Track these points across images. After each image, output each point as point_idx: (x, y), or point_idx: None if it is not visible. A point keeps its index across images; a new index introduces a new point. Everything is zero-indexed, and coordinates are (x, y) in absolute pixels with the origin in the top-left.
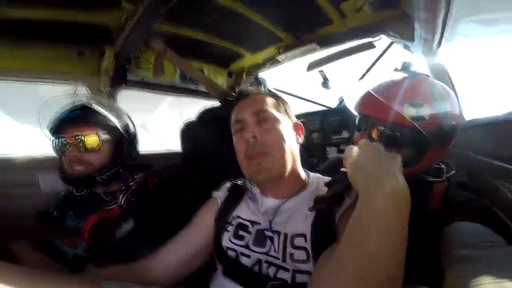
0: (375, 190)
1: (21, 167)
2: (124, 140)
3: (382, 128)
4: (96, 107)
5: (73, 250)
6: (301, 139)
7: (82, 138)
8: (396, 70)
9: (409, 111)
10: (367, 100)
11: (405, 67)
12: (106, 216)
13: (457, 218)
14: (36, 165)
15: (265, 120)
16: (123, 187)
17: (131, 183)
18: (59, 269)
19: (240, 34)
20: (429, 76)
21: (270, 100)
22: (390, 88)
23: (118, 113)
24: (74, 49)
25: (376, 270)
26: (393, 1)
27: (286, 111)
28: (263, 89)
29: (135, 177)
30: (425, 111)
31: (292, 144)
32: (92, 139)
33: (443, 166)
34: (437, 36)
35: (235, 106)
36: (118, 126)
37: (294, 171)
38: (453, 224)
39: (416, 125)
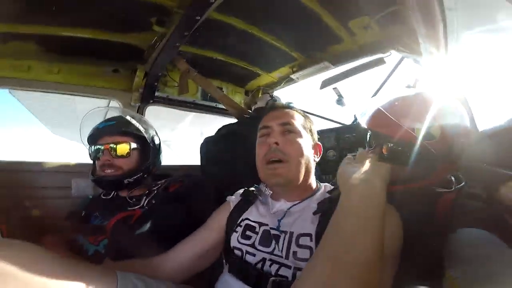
0: (350, 190)
1: (56, 171)
2: (150, 150)
3: (391, 145)
4: (129, 118)
5: (95, 247)
6: (317, 158)
7: (115, 146)
8: (408, 86)
9: (420, 130)
10: (378, 117)
11: (415, 84)
12: (127, 216)
13: (465, 224)
14: (70, 170)
15: (290, 132)
16: (147, 191)
17: (154, 188)
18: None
19: (256, 54)
20: (440, 92)
21: (298, 116)
22: (401, 105)
23: (146, 126)
24: (109, 67)
25: (351, 251)
26: (399, 17)
27: (310, 130)
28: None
29: (158, 183)
30: (436, 130)
31: (308, 159)
32: (123, 146)
33: (451, 178)
34: (442, 50)
35: (265, 116)
36: (146, 136)
37: (306, 181)
38: (460, 230)
39: (426, 144)
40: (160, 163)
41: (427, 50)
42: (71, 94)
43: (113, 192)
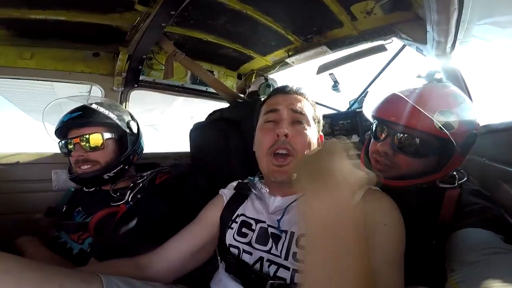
0: (312, 198)
1: (34, 162)
2: (127, 138)
3: (409, 137)
4: (96, 106)
5: (79, 245)
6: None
7: (87, 137)
8: (419, 76)
9: (440, 120)
10: (394, 106)
11: (429, 75)
12: (111, 212)
13: (470, 225)
14: (49, 161)
15: (300, 123)
16: (131, 184)
17: (138, 181)
18: (63, 263)
19: (250, 36)
20: (450, 85)
21: (308, 105)
22: (417, 96)
23: (119, 112)
24: (89, 50)
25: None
26: (405, 4)
27: (319, 121)
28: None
29: (144, 174)
30: (454, 120)
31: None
32: (95, 137)
33: (455, 173)
34: (451, 39)
35: (272, 96)
36: (119, 123)
37: None
38: (464, 230)
39: (448, 134)
40: (142, 150)
41: (434, 39)
42: (47, 80)
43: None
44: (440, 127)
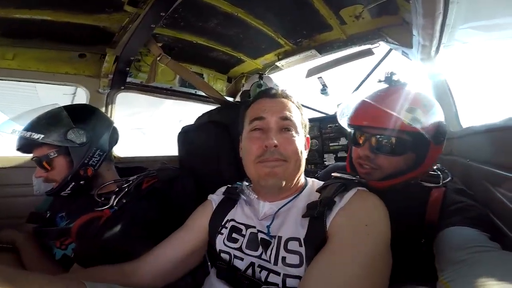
0: None
1: (15, 166)
2: (70, 151)
3: (385, 137)
4: (28, 134)
5: (62, 251)
6: (306, 154)
7: (35, 159)
8: (379, 81)
9: (408, 117)
10: (364, 112)
11: (388, 78)
12: (95, 217)
13: (456, 224)
14: (31, 165)
15: (288, 130)
16: (116, 189)
17: (124, 185)
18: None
19: (241, 39)
20: (407, 84)
21: (295, 109)
22: (383, 98)
23: (51, 126)
24: (75, 51)
25: None
26: (392, 8)
27: (305, 125)
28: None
29: (129, 179)
30: (420, 115)
31: (303, 157)
32: (39, 161)
33: (439, 173)
34: (435, 42)
35: (257, 101)
36: (50, 141)
37: (298, 180)
38: (450, 228)
39: (419, 128)
40: (99, 160)
41: (420, 43)
42: (29, 82)
43: None
44: (408, 123)
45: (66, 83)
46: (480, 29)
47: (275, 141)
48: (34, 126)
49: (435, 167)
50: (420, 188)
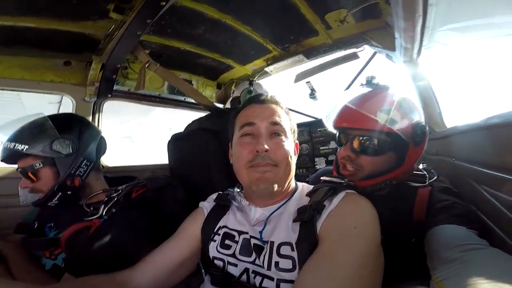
0: None
1: (1, 177)
2: (56, 162)
3: (364, 138)
4: (11, 145)
5: (52, 261)
6: (296, 158)
7: (21, 170)
8: (362, 85)
9: (384, 118)
10: (344, 114)
11: (369, 81)
12: (84, 227)
13: (443, 221)
14: (16, 176)
15: (278, 135)
16: (106, 199)
17: (113, 195)
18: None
19: (229, 46)
20: (388, 87)
21: (283, 114)
22: (361, 101)
23: (36, 137)
24: (60, 59)
25: None
26: (375, 12)
27: (294, 130)
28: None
29: (119, 188)
30: (396, 116)
31: (292, 162)
32: (25, 172)
33: (425, 173)
34: (417, 45)
35: (247, 107)
36: (34, 152)
37: (288, 185)
38: (439, 226)
39: (394, 129)
40: (86, 170)
41: (402, 45)
42: (13, 90)
43: None
44: (384, 124)
45: (52, 92)
46: (458, 31)
47: (266, 146)
48: (18, 136)
49: (421, 167)
50: (407, 188)
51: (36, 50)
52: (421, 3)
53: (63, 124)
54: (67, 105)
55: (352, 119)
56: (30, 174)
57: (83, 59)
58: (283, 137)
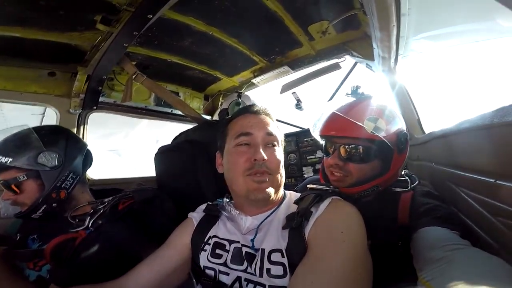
0: None
1: None
2: (41, 174)
3: (352, 146)
4: None
5: (37, 272)
6: None
7: (3, 182)
8: (347, 94)
9: (371, 126)
10: (332, 123)
11: (354, 91)
12: (69, 238)
13: (427, 224)
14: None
15: (272, 145)
16: (91, 211)
17: (99, 207)
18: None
19: (216, 58)
20: (372, 96)
21: (275, 125)
22: (347, 110)
23: (20, 149)
24: (44, 69)
25: None
26: (355, 23)
27: (282, 140)
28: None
29: (104, 200)
30: (381, 124)
31: (283, 171)
32: (9, 184)
33: (407, 178)
34: (393, 54)
35: (240, 117)
36: (18, 164)
37: (279, 194)
38: (423, 229)
39: (382, 137)
40: (72, 183)
41: (380, 55)
42: None
43: None
44: (372, 131)
45: (35, 103)
46: (432, 39)
47: (265, 156)
48: (1, 148)
49: (403, 172)
50: (390, 194)
51: (20, 60)
52: (394, 13)
53: (49, 136)
54: (51, 117)
55: (342, 127)
56: (13, 187)
57: (68, 70)
58: (276, 147)
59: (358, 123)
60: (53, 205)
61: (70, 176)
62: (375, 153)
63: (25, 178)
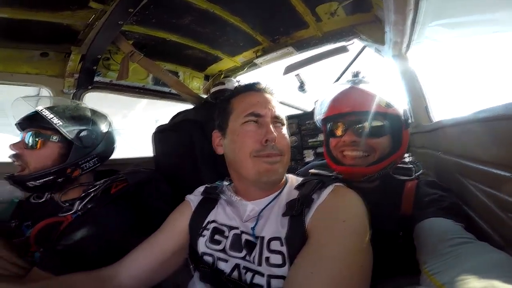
0: None
1: None
2: (73, 148)
3: (366, 122)
4: (40, 108)
5: (30, 259)
6: None
7: (30, 133)
8: (348, 81)
9: (383, 102)
10: (347, 99)
11: (355, 76)
12: (55, 222)
13: (431, 215)
14: None
15: (280, 125)
16: (82, 194)
17: (90, 190)
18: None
19: (217, 37)
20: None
21: (279, 105)
22: (358, 92)
23: (70, 119)
24: (37, 50)
25: None
26: (366, 5)
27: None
28: None
29: (96, 184)
30: (390, 100)
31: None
32: (33, 134)
33: (411, 166)
34: (406, 39)
35: (246, 94)
36: (61, 130)
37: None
38: (427, 220)
39: (396, 110)
40: (91, 167)
41: (391, 40)
42: None
43: (46, 194)
44: (387, 103)
45: (27, 84)
46: (449, 27)
47: (275, 135)
48: (59, 112)
49: (407, 160)
50: (394, 181)
51: (10, 41)
52: None
53: (98, 118)
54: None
55: (361, 102)
56: (39, 140)
57: (61, 50)
58: (283, 127)
59: (371, 100)
60: (60, 179)
61: (94, 160)
62: (390, 127)
63: (56, 140)
